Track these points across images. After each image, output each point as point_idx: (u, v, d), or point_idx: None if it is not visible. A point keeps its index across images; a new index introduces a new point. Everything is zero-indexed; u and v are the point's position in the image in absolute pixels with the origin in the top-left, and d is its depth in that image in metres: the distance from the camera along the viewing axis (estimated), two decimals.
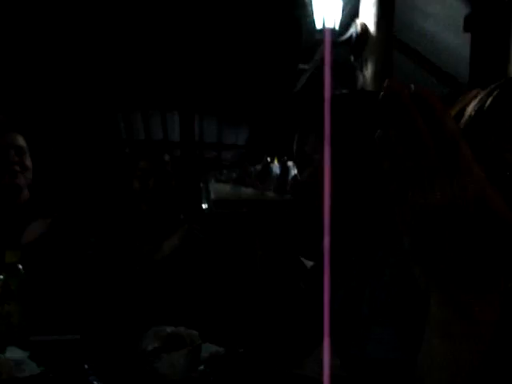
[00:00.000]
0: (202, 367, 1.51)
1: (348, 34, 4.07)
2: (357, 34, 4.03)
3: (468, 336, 0.54)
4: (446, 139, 0.52)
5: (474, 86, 3.00)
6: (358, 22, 4.05)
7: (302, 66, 6.45)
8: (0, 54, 6.42)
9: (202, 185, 1.19)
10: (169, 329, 1.51)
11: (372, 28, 3.98)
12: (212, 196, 1.17)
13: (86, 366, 1.48)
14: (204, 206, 1.19)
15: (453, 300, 0.55)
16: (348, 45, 4.13)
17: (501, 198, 0.53)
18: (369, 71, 3.95)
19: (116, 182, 2.50)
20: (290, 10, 6.03)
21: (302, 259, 1.46)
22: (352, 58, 4.20)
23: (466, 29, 4.28)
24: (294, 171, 1.19)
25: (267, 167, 1.18)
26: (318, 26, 4.16)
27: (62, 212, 2.22)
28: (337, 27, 4.11)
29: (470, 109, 0.91)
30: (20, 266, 1.70)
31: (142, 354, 1.45)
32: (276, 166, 1.19)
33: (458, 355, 0.54)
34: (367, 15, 4.03)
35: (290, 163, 1.19)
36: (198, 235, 2.45)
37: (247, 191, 1.17)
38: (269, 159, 1.20)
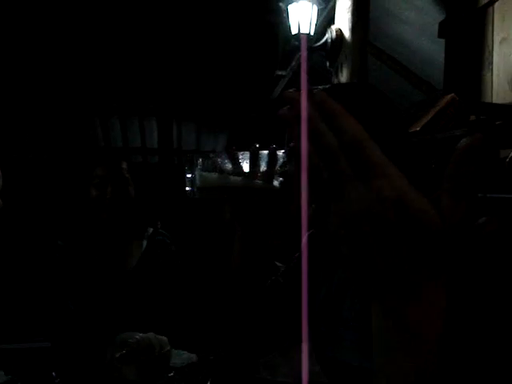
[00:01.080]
0: (171, 374, 1.49)
1: (323, 40, 4.08)
2: (332, 40, 4.04)
3: (405, 349, 0.51)
4: (349, 142, 0.51)
5: (449, 92, 3.02)
6: (334, 27, 4.07)
7: (279, 73, 6.46)
8: None
9: (186, 168, 1.16)
10: (137, 335, 1.49)
11: (347, 34, 3.99)
12: (198, 183, 1.14)
13: (54, 374, 1.46)
14: (188, 189, 1.16)
15: (390, 311, 0.52)
16: (323, 50, 4.14)
17: (421, 196, 0.51)
18: (344, 76, 3.96)
19: (76, 187, 2.45)
20: (265, 16, 6.05)
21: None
22: (327, 64, 4.22)
23: (440, 35, 4.31)
24: (281, 160, 1.17)
25: (256, 154, 1.15)
26: (294, 31, 4.17)
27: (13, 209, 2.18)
28: (312, 33, 4.12)
29: None
30: None
31: (110, 360, 1.43)
32: (264, 154, 1.17)
33: (396, 368, 0.52)
34: (342, 21, 4.04)
35: (279, 152, 1.16)
36: (164, 240, 2.43)
37: (234, 179, 1.15)
38: (257, 145, 1.18)
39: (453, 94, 3.59)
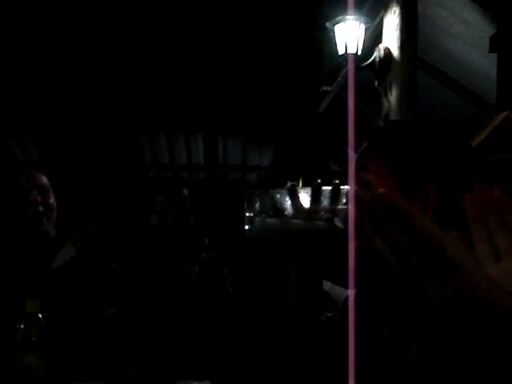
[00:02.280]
0: None
1: (371, 59, 4.02)
2: (380, 59, 3.96)
3: None
4: (425, 241, 0.49)
5: (502, 107, 2.92)
6: (381, 46, 4.00)
7: (325, 88, 6.40)
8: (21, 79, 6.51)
9: (245, 206, 1.11)
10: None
11: (395, 52, 3.92)
12: (257, 228, 1.09)
13: None
14: (246, 227, 1.10)
15: None
16: (371, 69, 4.07)
17: (506, 294, 0.48)
18: (393, 96, 3.88)
19: (137, 214, 2.44)
20: (311, 32, 6.01)
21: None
22: (376, 83, 4.14)
23: (491, 49, 4.20)
24: (344, 198, 1.11)
25: (318, 191, 1.09)
26: (341, 51, 4.12)
27: (90, 237, 2.17)
28: (359, 52, 4.07)
29: None
30: (40, 316, 1.66)
31: None
32: (327, 190, 1.11)
33: None
34: (390, 39, 3.97)
35: (343, 188, 1.10)
36: (215, 264, 2.40)
37: (295, 222, 1.09)
38: (319, 181, 1.12)
39: (508, 112, 3.48)
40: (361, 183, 1.14)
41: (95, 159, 8.07)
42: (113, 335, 2.14)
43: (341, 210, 1.07)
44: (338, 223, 1.07)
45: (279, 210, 1.09)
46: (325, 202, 1.08)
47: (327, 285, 2.43)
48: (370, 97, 6.04)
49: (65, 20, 5.93)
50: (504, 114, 3.52)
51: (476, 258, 0.63)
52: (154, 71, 6.90)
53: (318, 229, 1.08)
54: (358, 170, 1.16)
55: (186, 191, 2.33)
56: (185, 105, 7.37)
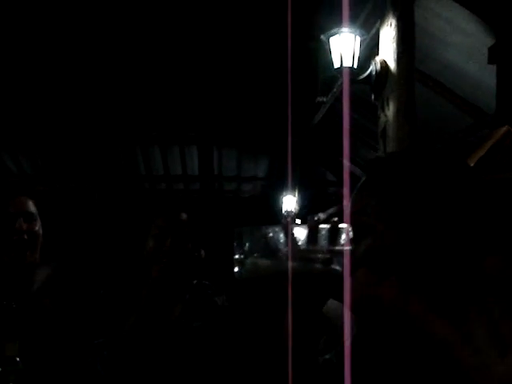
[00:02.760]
0: None
1: (367, 72, 3.92)
2: (377, 72, 3.86)
3: None
4: None
5: (502, 118, 2.83)
6: (378, 59, 3.90)
7: (320, 99, 6.32)
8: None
9: (234, 245, 1.01)
10: None
11: (392, 65, 3.82)
12: (248, 271, 0.99)
13: None
14: (236, 270, 1.00)
15: None
16: (368, 83, 3.98)
17: None
18: (391, 110, 3.78)
19: (132, 231, 2.33)
20: (306, 42, 5.94)
21: None
22: (372, 97, 4.04)
23: (490, 60, 4.12)
24: (343, 236, 1.00)
25: (315, 229, 1.00)
26: (336, 64, 4.02)
27: (65, 257, 2.08)
28: (355, 65, 3.97)
29: None
30: (18, 359, 1.56)
31: None
32: (325, 229, 1.01)
33: None
34: (387, 51, 3.87)
35: (342, 226, 1.00)
36: (207, 292, 2.29)
37: (290, 265, 0.99)
38: (317, 218, 1.02)
39: (508, 127, 3.39)
40: (358, 227, 1.03)
41: (89, 170, 7.98)
42: (101, 367, 2.03)
43: (339, 251, 0.98)
44: (336, 265, 0.98)
45: (272, 250, 0.99)
46: (322, 241, 0.99)
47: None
48: (366, 107, 5.97)
49: (55, 30, 5.86)
50: (504, 128, 3.43)
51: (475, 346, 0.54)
52: (148, 82, 6.83)
53: (314, 272, 0.99)
54: (355, 212, 1.06)
55: (184, 216, 2.22)
56: (179, 116, 7.29)
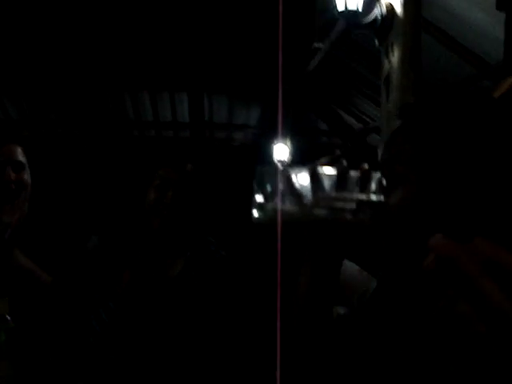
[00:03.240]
0: None
1: (372, 16, 3.76)
2: (382, 16, 3.72)
3: None
4: None
5: (509, 68, 2.70)
6: (383, 2, 3.74)
7: (316, 45, 6.14)
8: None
9: (255, 186, 0.89)
10: None
11: (399, 9, 3.67)
12: (271, 217, 0.88)
13: None
14: (255, 214, 0.89)
15: None
16: (372, 28, 3.82)
17: None
18: (395, 57, 3.65)
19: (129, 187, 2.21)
20: None
21: None
22: (376, 42, 3.89)
23: (498, 7, 3.97)
24: (373, 185, 0.90)
25: (344, 176, 0.89)
26: (340, 7, 3.85)
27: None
28: (360, 9, 3.80)
29: None
30: (8, 317, 1.47)
31: None
32: (354, 176, 0.90)
33: None
34: None
35: (375, 174, 0.89)
36: (210, 248, 2.19)
37: (318, 212, 0.88)
38: (345, 163, 0.91)
39: None
40: (390, 176, 0.92)
41: (76, 115, 7.80)
42: (97, 324, 1.94)
43: (369, 200, 0.87)
44: (365, 216, 0.88)
45: (297, 195, 0.88)
46: (351, 188, 0.88)
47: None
48: (363, 55, 5.83)
49: None
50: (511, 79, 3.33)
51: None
52: (137, 27, 6.61)
53: (341, 221, 0.89)
54: (387, 159, 0.95)
55: (190, 167, 2.09)
56: (169, 61, 7.09)
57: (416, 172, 0.87)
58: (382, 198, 0.88)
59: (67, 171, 7.13)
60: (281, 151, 7.47)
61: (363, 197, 0.88)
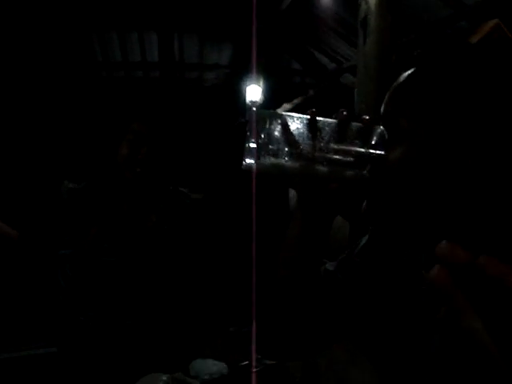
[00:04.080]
0: None
1: None
2: None
3: None
4: None
5: (487, 10, 2.64)
6: None
7: None
8: None
9: (250, 128, 0.84)
10: (164, 376, 1.28)
11: None
12: (267, 169, 0.83)
13: None
14: (247, 161, 0.83)
15: None
16: None
17: None
18: None
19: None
20: None
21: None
22: None
23: None
24: (376, 137, 0.85)
25: (345, 126, 0.85)
26: None
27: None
28: None
29: None
30: None
31: None
32: (355, 126, 0.85)
33: None
34: None
35: (378, 128, 0.85)
36: (184, 201, 2.15)
37: (318, 168, 0.84)
38: (345, 112, 0.85)
39: (497, 20, 3.21)
40: (392, 130, 0.85)
41: (40, 56, 7.54)
42: (62, 278, 1.90)
43: (370, 154, 0.83)
44: (365, 172, 0.82)
45: (293, 144, 0.83)
46: (351, 140, 0.83)
47: None
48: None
49: None
50: (493, 21, 3.26)
51: None
52: None
53: (341, 179, 0.85)
54: (390, 112, 0.87)
55: (163, 120, 2.02)
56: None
57: (421, 128, 0.80)
58: (383, 152, 0.83)
59: (34, 115, 6.95)
60: (254, 92, 7.35)
61: (364, 151, 0.82)
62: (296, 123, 0.83)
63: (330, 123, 0.84)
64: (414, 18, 5.05)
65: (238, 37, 7.72)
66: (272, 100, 7.19)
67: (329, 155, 0.82)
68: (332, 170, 0.82)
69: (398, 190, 0.82)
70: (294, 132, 0.82)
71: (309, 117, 0.83)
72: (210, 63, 8.33)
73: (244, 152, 0.83)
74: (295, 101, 7.48)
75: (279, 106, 6.68)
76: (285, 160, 0.82)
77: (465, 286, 0.39)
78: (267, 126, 0.82)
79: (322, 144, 0.82)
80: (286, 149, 0.82)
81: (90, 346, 1.80)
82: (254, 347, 1.62)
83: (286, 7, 6.52)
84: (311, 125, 0.83)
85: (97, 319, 1.84)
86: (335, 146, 0.82)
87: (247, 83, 7.37)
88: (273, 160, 0.82)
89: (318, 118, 0.84)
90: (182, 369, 1.39)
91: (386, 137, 0.84)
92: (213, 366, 1.41)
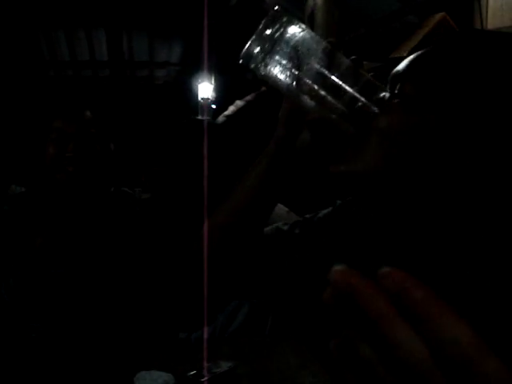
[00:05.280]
0: None
1: None
2: None
3: None
4: (459, 357, 0.32)
5: (434, 3, 2.63)
6: None
7: None
8: None
9: (265, 22, 0.79)
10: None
11: None
12: (256, 70, 0.79)
13: None
14: (246, 52, 0.80)
15: None
16: None
17: None
18: None
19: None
20: None
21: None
22: None
23: None
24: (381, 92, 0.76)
25: (357, 66, 0.77)
26: None
27: None
28: None
29: None
30: None
31: None
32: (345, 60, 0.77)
33: None
34: None
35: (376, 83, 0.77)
36: (128, 201, 2.07)
37: (306, 101, 0.78)
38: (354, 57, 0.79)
39: (443, 14, 3.22)
40: (396, 96, 0.77)
41: None
42: (5, 293, 1.82)
43: (363, 106, 0.73)
44: (350, 126, 0.75)
45: (300, 64, 0.75)
46: (344, 76, 0.74)
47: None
48: None
49: None
50: (439, 15, 3.27)
51: None
52: None
53: (324, 122, 0.77)
54: (399, 72, 0.79)
55: (89, 114, 1.92)
56: None
57: (425, 101, 0.73)
58: (376, 110, 0.74)
59: None
60: (206, 89, 7.29)
61: (357, 98, 0.74)
62: (316, 44, 0.76)
63: (343, 61, 0.77)
64: (362, 13, 5.06)
65: (187, 34, 7.64)
66: (224, 97, 7.14)
67: (318, 90, 0.75)
68: (318, 111, 0.76)
69: (387, 156, 0.74)
70: (309, 52, 0.75)
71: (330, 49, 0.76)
72: (160, 61, 8.23)
73: (251, 40, 0.78)
74: (248, 97, 7.45)
75: (231, 102, 6.64)
76: (284, 75, 0.76)
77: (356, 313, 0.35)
78: (283, 30, 0.76)
79: (315, 68, 0.76)
80: (289, 64, 0.75)
81: (34, 360, 1.73)
82: (204, 355, 1.59)
83: (235, 3, 6.48)
84: (331, 56, 0.76)
85: (44, 333, 1.76)
86: (328, 79, 0.75)
87: (199, 80, 7.30)
88: (272, 69, 0.76)
89: (338, 49, 0.77)
90: (126, 383, 1.33)
91: (386, 95, 0.76)
92: (158, 378, 1.36)
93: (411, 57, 0.78)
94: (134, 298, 1.88)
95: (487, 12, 3.14)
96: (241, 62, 0.78)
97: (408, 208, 0.75)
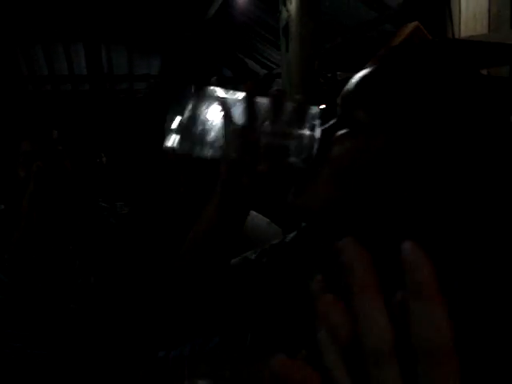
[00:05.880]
0: None
1: None
2: None
3: None
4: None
5: (407, 12, 2.66)
6: None
7: None
8: None
9: (171, 108, 0.76)
10: None
11: None
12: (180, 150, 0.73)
13: None
14: (168, 142, 0.74)
15: None
16: None
17: None
18: (293, 5, 3.52)
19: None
20: None
21: None
22: None
23: None
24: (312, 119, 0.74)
25: (279, 105, 0.74)
26: None
27: None
28: None
29: None
30: None
31: None
32: (289, 107, 0.74)
33: None
34: None
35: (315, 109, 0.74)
36: (102, 214, 2.06)
37: (232, 153, 0.75)
38: (278, 92, 0.76)
39: (417, 22, 3.25)
40: (350, 124, 0.76)
41: None
42: None
43: (309, 139, 0.71)
44: (300, 160, 0.72)
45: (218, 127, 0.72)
46: (288, 122, 0.71)
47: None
48: (265, 1, 5.68)
49: None
50: (412, 24, 3.30)
51: None
52: None
53: (271, 164, 0.73)
54: (349, 104, 0.76)
55: (55, 133, 1.91)
56: (62, 10, 6.67)
57: (378, 124, 0.71)
58: (316, 138, 0.72)
59: None
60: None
61: (303, 133, 0.71)
62: (231, 101, 0.75)
63: (262, 103, 0.75)
64: (338, 23, 5.09)
65: (166, 46, 7.64)
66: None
67: (262, 138, 0.73)
68: (262, 156, 0.74)
69: (344, 182, 0.74)
70: (225, 109, 0.74)
71: (243, 95, 0.74)
72: (139, 73, 8.22)
73: (166, 133, 0.75)
74: None
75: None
76: (206, 145, 0.74)
77: None
78: (193, 103, 0.74)
79: (254, 125, 0.74)
80: (207, 132, 0.74)
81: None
82: (186, 373, 1.57)
83: (212, 16, 6.49)
84: (249, 103, 0.74)
85: (22, 350, 1.74)
86: (269, 128, 0.74)
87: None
88: (193, 145, 0.74)
89: (255, 96, 0.75)
90: None
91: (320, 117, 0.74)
92: None
93: (360, 77, 0.77)
94: (109, 312, 1.87)
95: (460, 20, 3.17)
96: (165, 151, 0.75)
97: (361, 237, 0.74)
